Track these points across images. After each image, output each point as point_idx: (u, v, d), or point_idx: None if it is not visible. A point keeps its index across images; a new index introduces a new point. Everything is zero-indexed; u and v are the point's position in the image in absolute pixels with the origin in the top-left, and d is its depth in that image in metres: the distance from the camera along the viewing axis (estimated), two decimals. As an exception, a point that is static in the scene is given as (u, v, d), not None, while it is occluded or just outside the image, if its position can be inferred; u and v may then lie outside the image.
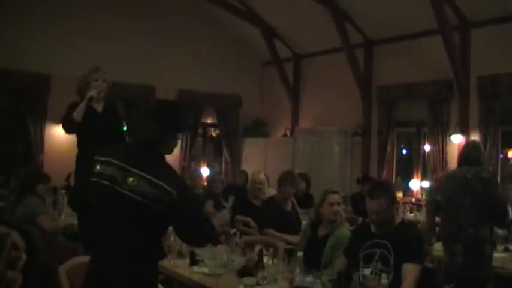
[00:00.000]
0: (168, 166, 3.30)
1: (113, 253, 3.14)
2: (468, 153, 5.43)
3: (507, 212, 5.26)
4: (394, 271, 3.84)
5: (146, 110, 3.46)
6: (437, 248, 5.64)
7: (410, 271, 3.84)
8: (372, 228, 4.17)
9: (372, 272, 3.85)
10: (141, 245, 3.15)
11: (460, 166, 5.46)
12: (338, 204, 4.97)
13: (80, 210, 4.57)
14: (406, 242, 3.95)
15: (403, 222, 4.28)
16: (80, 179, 3.60)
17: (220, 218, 7.22)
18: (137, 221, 3.12)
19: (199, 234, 3.46)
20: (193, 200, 3.33)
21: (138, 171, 3.12)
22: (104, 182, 3.18)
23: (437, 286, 4.62)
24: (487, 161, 8.69)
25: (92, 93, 5.15)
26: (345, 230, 4.86)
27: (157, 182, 3.09)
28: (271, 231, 6.20)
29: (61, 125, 5.41)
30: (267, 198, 6.87)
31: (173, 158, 12.48)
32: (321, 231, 4.92)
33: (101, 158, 3.27)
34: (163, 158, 3.33)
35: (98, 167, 3.24)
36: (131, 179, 3.11)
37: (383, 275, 3.80)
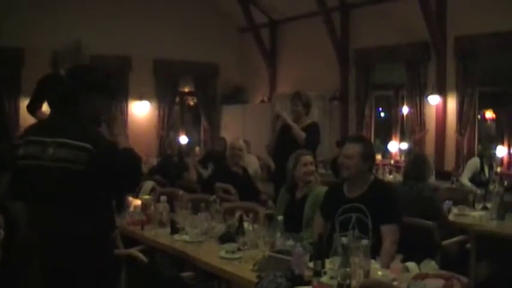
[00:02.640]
0: (81, 124, 3.14)
1: (59, 230, 3.06)
2: (412, 168, 5.62)
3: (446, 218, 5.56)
4: (372, 235, 3.83)
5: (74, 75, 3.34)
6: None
7: (388, 232, 3.87)
8: (345, 190, 4.16)
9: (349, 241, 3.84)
10: (84, 216, 3.07)
11: (405, 180, 5.69)
12: (311, 163, 4.97)
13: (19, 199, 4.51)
14: (381, 203, 3.96)
15: (376, 180, 4.23)
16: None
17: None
18: (68, 189, 3.04)
19: (133, 176, 3.32)
20: (113, 152, 3.15)
21: (52, 139, 3.05)
22: (28, 161, 3.11)
23: (435, 243, 4.67)
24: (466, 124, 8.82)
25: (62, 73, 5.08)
26: (322, 189, 4.84)
27: (71, 142, 3.02)
28: None
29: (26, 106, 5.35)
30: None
31: (151, 128, 12.46)
32: (298, 194, 4.94)
33: (21, 140, 3.18)
34: (82, 118, 3.16)
35: (20, 150, 3.15)
36: (50, 149, 3.04)
37: (362, 242, 3.78)
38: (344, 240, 3.42)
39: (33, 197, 3.15)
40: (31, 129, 3.28)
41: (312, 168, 4.97)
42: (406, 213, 5.14)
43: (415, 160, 5.81)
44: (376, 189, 4.09)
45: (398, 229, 3.92)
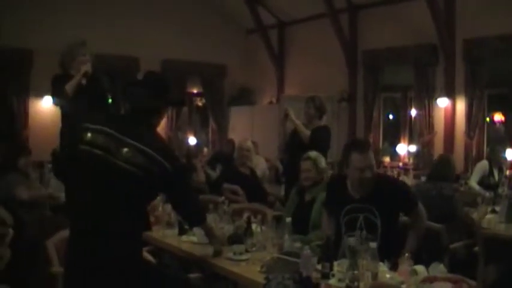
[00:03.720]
0: (160, 137, 3.33)
1: (100, 224, 3.10)
2: (437, 169, 5.69)
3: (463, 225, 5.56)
4: (381, 236, 3.81)
5: (137, 80, 3.49)
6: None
7: (416, 215, 4.01)
8: (350, 189, 4.07)
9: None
10: (128, 215, 3.12)
11: (429, 180, 5.86)
12: (307, 170, 5.00)
13: (60, 178, 4.56)
14: (394, 198, 3.94)
15: (378, 176, 4.12)
16: (66, 143, 3.58)
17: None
18: (127, 192, 3.10)
19: (189, 205, 3.51)
20: (184, 172, 3.39)
21: (132, 141, 3.10)
22: (96, 151, 3.12)
23: (443, 246, 4.67)
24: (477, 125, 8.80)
25: (87, 68, 5.12)
26: None
27: (151, 152, 3.09)
28: None
29: (51, 94, 5.37)
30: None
31: (159, 128, 12.41)
32: (307, 196, 4.97)
33: (92, 126, 3.20)
34: (155, 129, 3.34)
35: (89, 134, 3.17)
36: (126, 149, 3.08)
37: (370, 243, 3.66)
38: (351, 240, 3.43)
39: (86, 185, 3.18)
40: (106, 119, 3.34)
41: (307, 174, 5.00)
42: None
43: (440, 161, 5.90)
44: (383, 186, 4.01)
45: (420, 206, 4.07)
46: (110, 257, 3.10)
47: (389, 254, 3.65)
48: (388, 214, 3.88)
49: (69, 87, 5.06)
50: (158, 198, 5.44)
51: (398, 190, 4.03)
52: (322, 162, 5.11)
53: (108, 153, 3.09)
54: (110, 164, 3.08)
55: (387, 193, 3.94)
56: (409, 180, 8.49)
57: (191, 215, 3.70)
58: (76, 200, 3.24)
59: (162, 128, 12.37)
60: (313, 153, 5.16)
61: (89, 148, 3.14)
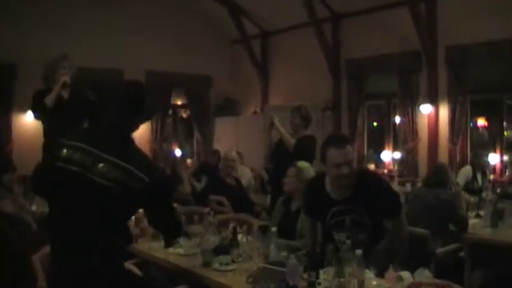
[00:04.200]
0: (138, 150, 3.25)
1: (80, 240, 3.05)
2: (433, 176, 5.79)
3: (466, 222, 5.53)
4: (371, 230, 3.77)
5: (114, 93, 3.38)
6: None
7: (398, 224, 3.84)
8: (329, 190, 3.90)
9: (348, 237, 3.71)
10: (109, 231, 3.08)
11: (425, 186, 5.94)
12: (290, 177, 5.01)
13: (39, 195, 4.52)
14: (377, 199, 3.75)
15: (359, 173, 3.89)
16: (43, 161, 3.50)
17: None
18: (107, 207, 3.04)
19: (169, 221, 3.44)
20: (164, 186, 3.33)
21: (108, 157, 3.05)
22: (71, 167, 3.07)
23: (429, 252, 4.69)
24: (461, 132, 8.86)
25: (65, 78, 5.11)
26: None
27: (128, 167, 3.04)
28: None
29: (31, 108, 5.36)
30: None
31: (144, 140, 12.42)
32: (293, 206, 4.96)
33: (68, 142, 3.15)
34: (133, 141, 3.27)
35: (64, 151, 3.12)
36: (101, 164, 3.03)
37: (360, 236, 3.73)
38: (342, 236, 3.44)
39: (65, 202, 3.12)
40: (81, 135, 3.30)
41: (287, 180, 5.02)
42: (424, 215, 5.32)
43: (436, 169, 5.99)
44: (366, 184, 3.82)
45: (403, 218, 3.91)
46: (92, 273, 3.05)
47: (378, 241, 3.75)
48: (373, 211, 3.76)
49: (49, 99, 5.05)
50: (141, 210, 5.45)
51: (383, 191, 3.86)
52: (308, 173, 5.01)
53: (84, 169, 3.04)
54: (87, 180, 3.03)
55: (371, 193, 3.77)
56: (394, 187, 8.52)
57: (169, 229, 3.59)
58: (56, 216, 3.19)
59: (146, 140, 12.36)
60: (302, 164, 5.14)
61: (65, 165, 3.09)
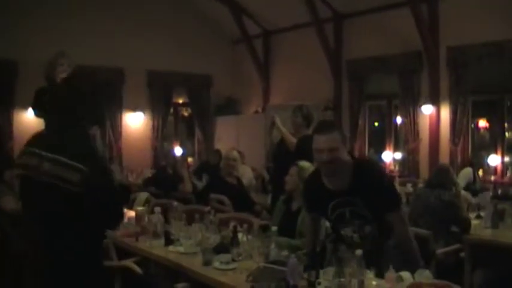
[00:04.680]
0: (80, 140, 3.07)
1: (47, 247, 2.96)
2: (435, 177, 5.84)
3: (469, 223, 5.53)
4: (375, 224, 3.67)
5: (59, 89, 3.30)
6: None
7: (397, 219, 3.63)
8: (326, 181, 3.73)
9: (354, 231, 3.68)
10: (71, 239, 2.96)
11: (427, 187, 5.90)
12: (290, 175, 5.01)
13: None
14: (375, 191, 3.58)
15: (356, 163, 3.72)
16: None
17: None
18: (59, 209, 2.93)
19: (112, 210, 3.16)
20: (105, 172, 3.06)
21: (49, 154, 2.94)
22: (28, 172, 3.01)
23: (429, 252, 4.67)
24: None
25: (63, 75, 5.08)
26: None
27: (65, 160, 2.90)
28: None
29: (32, 106, 5.34)
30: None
31: (145, 139, 12.45)
32: (294, 206, 4.97)
33: (25, 149, 3.08)
34: (80, 132, 3.11)
35: (23, 157, 3.05)
36: (46, 163, 2.93)
37: (366, 227, 3.66)
38: (348, 231, 3.45)
39: (28, 208, 3.09)
40: (31, 139, 3.19)
41: (288, 179, 5.01)
42: (426, 216, 5.32)
43: (438, 170, 6.00)
44: (364, 175, 3.64)
45: (402, 214, 3.72)
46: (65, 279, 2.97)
47: (388, 232, 3.64)
48: (373, 203, 3.60)
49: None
50: (143, 208, 5.46)
51: (379, 183, 3.65)
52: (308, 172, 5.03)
53: (33, 171, 2.96)
54: (36, 182, 2.94)
55: (368, 184, 3.60)
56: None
57: (109, 219, 3.27)
58: (25, 227, 3.14)
59: (148, 138, 12.39)
60: (304, 164, 5.10)
61: (24, 172, 3.05)
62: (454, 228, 5.59)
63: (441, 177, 5.78)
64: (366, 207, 3.63)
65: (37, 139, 3.15)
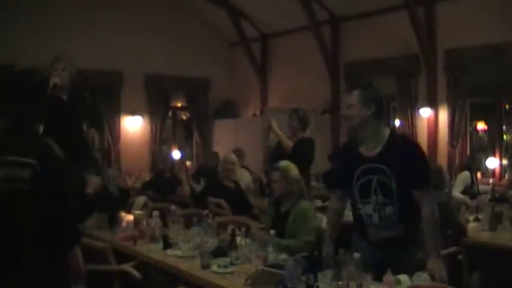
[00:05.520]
0: (35, 138, 2.95)
1: (11, 256, 2.83)
2: None
3: (464, 228, 5.59)
4: (398, 199, 3.56)
5: (7, 85, 3.06)
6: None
7: (423, 199, 3.53)
8: (361, 149, 3.70)
9: (374, 210, 3.61)
10: (36, 239, 2.84)
11: None
12: (276, 182, 4.96)
13: None
14: (406, 163, 3.51)
15: (393, 134, 3.70)
16: None
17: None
18: (17, 215, 2.81)
19: (71, 209, 2.95)
20: (61, 169, 2.87)
21: (3, 157, 2.83)
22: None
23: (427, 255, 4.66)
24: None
25: (55, 80, 5.07)
26: (305, 203, 4.85)
27: (15, 158, 2.79)
28: None
29: None
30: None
31: (143, 143, 12.45)
32: (283, 208, 4.95)
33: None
34: (35, 133, 3.01)
35: None
36: (2, 168, 2.81)
37: (387, 209, 3.56)
38: (368, 209, 3.48)
39: None
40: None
41: (276, 185, 4.97)
42: None
43: (433, 170, 5.96)
44: (397, 146, 3.61)
45: (431, 192, 3.61)
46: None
47: (407, 220, 3.58)
48: (403, 177, 3.51)
49: None
50: (142, 213, 5.45)
51: (413, 156, 3.58)
52: (293, 172, 4.98)
53: None
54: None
55: (400, 155, 3.54)
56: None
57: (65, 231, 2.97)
58: None
59: (146, 141, 12.39)
60: (283, 163, 5.10)
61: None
62: (449, 231, 5.59)
63: (435, 178, 5.74)
64: (394, 178, 3.53)
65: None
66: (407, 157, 3.54)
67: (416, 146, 3.81)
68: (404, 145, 3.67)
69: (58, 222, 2.87)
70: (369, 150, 3.64)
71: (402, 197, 3.53)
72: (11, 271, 2.81)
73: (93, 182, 3.28)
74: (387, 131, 3.68)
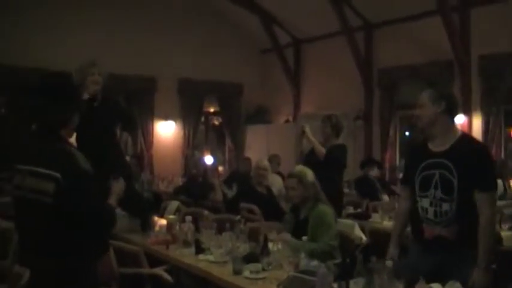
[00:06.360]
0: (60, 148, 2.90)
1: (37, 264, 2.87)
2: None
3: (500, 237, 5.38)
4: (458, 196, 3.52)
5: (35, 88, 3.00)
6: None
7: (483, 202, 3.47)
8: (430, 145, 3.73)
9: (431, 204, 3.60)
10: (60, 257, 2.87)
11: None
12: (292, 188, 4.93)
13: None
14: (471, 162, 3.49)
15: (464, 135, 3.75)
16: None
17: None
18: (42, 226, 2.84)
19: (95, 223, 2.96)
20: (85, 182, 2.84)
21: (27, 167, 2.85)
22: (17, 192, 2.94)
23: None
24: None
25: (96, 87, 5.11)
26: (323, 207, 4.81)
27: (41, 170, 2.79)
28: None
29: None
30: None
31: (176, 147, 12.54)
32: (302, 214, 4.92)
33: (19, 167, 2.95)
34: (61, 141, 2.96)
35: (17, 176, 2.94)
36: (26, 178, 2.84)
37: (444, 205, 3.53)
38: (425, 202, 3.46)
39: (21, 230, 3.04)
40: (20, 154, 3.04)
41: (292, 193, 4.94)
42: None
43: None
44: (466, 145, 3.61)
45: (495, 196, 3.60)
46: None
47: (463, 220, 3.51)
48: (465, 176, 3.48)
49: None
50: (174, 217, 5.49)
51: (480, 157, 3.56)
52: (309, 176, 4.96)
53: (19, 189, 2.89)
54: (22, 200, 2.89)
55: (467, 153, 3.53)
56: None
57: (94, 239, 3.05)
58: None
59: (179, 146, 12.48)
60: (298, 168, 5.13)
61: (14, 191, 2.97)
62: None
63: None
64: (457, 175, 3.51)
65: (21, 153, 3.04)
66: (475, 157, 3.53)
67: (485, 148, 3.85)
68: (473, 145, 3.67)
69: (81, 234, 2.90)
70: (438, 146, 3.67)
71: (461, 196, 3.50)
72: (37, 277, 2.84)
73: (116, 190, 3.23)
74: (459, 132, 3.72)
